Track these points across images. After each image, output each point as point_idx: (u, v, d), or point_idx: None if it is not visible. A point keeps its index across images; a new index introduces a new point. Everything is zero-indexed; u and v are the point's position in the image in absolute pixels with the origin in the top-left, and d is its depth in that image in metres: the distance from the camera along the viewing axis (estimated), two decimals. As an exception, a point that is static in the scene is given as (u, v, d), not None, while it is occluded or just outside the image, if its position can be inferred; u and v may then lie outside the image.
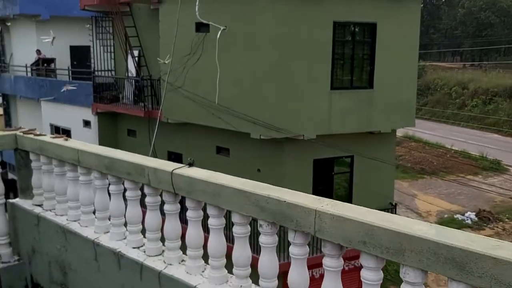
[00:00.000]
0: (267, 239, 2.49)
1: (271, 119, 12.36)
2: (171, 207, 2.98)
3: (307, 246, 2.40)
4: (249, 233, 2.68)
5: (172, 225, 3.01)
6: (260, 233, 2.52)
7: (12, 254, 4.16)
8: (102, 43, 17.98)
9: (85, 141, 12.88)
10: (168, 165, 2.93)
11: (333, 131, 13.11)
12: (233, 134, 13.36)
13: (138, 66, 16.50)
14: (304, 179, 13.41)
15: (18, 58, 24.58)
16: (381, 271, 2.15)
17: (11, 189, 5.50)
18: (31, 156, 4.01)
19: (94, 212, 3.56)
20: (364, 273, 2.12)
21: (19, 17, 22.84)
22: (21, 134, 4.01)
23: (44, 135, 3.93)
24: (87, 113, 18.12)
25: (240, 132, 12.94)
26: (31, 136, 3.91)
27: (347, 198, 14.49)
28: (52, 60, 22.54)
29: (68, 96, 19.50)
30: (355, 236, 2.05)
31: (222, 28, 12.62)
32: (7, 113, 27.66)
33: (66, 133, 19.80)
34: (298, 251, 2.36)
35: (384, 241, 1.95)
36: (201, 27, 13.40)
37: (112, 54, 18.04)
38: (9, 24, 24.93)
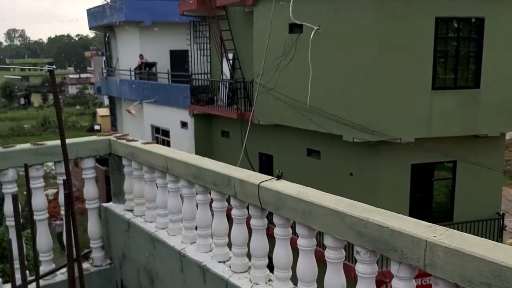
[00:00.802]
0: (365, 269, 2.17)
1: (365, 121, 11.83)
2: (258, 222, 2.77)
3: (414, 280, 2.04)
4: (344, 258, 2.37)
5: (259, 241, 2.80)
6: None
7: (105, 257, 4.22)
8: (199, 47, 18.48)
9: (182, 142, 13.33)
10: (256, 177, 2.72)
11: (433, 134, 12.25)
12: (324, 136, 13.03)
13: (233, 69, 16.72)
14: (401, 184, 12.68)
15: (123, 62, 26.12)
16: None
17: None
18: (124, 161, 4.04)
19: (182, 221, 3.47)
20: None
21: (124, 24, 24.24)
22: (115, 139, 4.05)
23: (136, 140, 3.93)
24: (185, 115, 18.72)
25: (332, 134, 12.56)
26: (124, 141, 3.92)
27: (448, 205, 13.52)
28: (153, 64, 23.68)
29: (167, 99, 20.36)
30: (477, 276, 1.67)
31: (315, 28, 12.35)
32: (113, 114, 29.59)
33: (165, 133, 20.71)
34: (403, 286, 2.02)
35: (516, 285, 1.56)
36: (294, 28, 13.24)
37: (208, 57, 18.48)
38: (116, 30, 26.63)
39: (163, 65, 22.71)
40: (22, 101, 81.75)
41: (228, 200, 2.95)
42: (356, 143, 12.28)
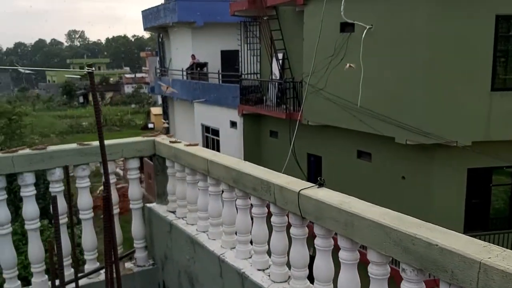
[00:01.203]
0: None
1: (419, 123, 11.39)
2: (298, 231, 2.65)
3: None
4: (389, 275, 2.21)
5: (299, 251, 2.68)
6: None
7: (147, 258, 4.24)
8: (250, 47, 18.51)
9: (231, 141, 13.38)
10: (296, 184, 2.60)
11: (492, 137, 11.61)
12: (375, 138, 12.66)
13: (282, 69, 16.65)
14: (456, 189, 12.11)
15: (176, 62, 26.61)
16: None
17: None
18: (167, 163, 4.04)
19: (222, 225, 3.41)
20: None
21: (177, 25, 24.68)
22: (159, 140, 4.06)
23: (179, 142, 3.91)
24: (234, 115, 18.80)
25: (384, 136, 12.19)
26: (167, 143, 3.92)
27: (507, 212, 12.81)
28: (204, 64, 23.97)
29: (217, 98, 20.55)
30: (539, 307, 1.48)
31: (368, 27, 12.03)
32: (165, 113, 30.24)
33: (215, 133, 20.92)
34: (453, 309, 1.84)
35: None
36: (345, 27, 12.97)
37: (258, 57, 18.47)
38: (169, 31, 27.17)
39: (214, 65, 22.94)
40: (81, 99, 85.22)
41: (268, 207, 2.86)
42: (409, 146, 11.86)
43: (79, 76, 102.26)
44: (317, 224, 2.44)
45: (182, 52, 25.33)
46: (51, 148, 3.70)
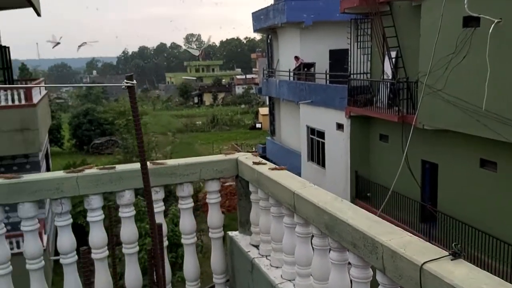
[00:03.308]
0: None
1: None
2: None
3: None
4: None
5: None
6: None
7: (229, 295, 3.65)
8: (360, 45, 17.57)
9: (337, 144, 12.49)
10: (418, 249, 1.75)
11: None
12: (503, 146, 11.11)
13: (395, 68, 15.46)
14: None
15: (284, 63, 26.36)
16: None
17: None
18: (250, 187, 3.38)
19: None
20: None
21: (285, 25, 24.39)
22: (242, 160, 3.42)
23: (264, 164, 3.24)
24: (341, 116, 18.05)
25: None
26: (250, 164, 3.27)
27: None
28: (312, 65, 23.37)
29: (324, 99, 19.81)
30: None
31: (496, 20, 10.49)
32: (271, 114, 30.09)
33: (320, 135, 20.14)
34: None
35: None
36: (469, 22, 11.49)
37: (369, 56, 17.44)
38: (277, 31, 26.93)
39: (323, 65, 22.28)
40: (196, 99, 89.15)
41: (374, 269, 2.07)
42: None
43: (194, 78, 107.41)
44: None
45: (290, 52, 25.02)
46: (120, 167, 3.24)
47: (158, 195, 3.33)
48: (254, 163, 3.24)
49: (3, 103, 13.43)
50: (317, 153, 20.87)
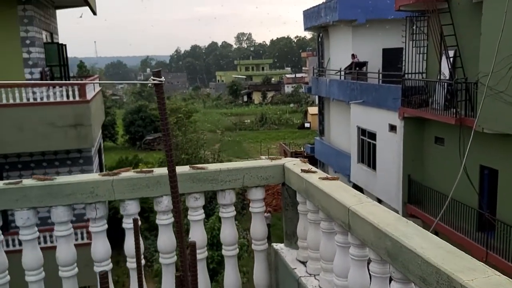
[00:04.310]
0: None
1: None
2: None
3: None
4: None
5: None
6: None
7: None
8: (415, 44, 16.85)
9: (389, 146, 11.86)
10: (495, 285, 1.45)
11: None
12: None
13: (453, 68, 14.70)
14: None
15: (335, 62, 25.84)
16: None
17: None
18: (298, 197, 3.10)
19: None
20: None
21: (337, 23, 23.87)
22: (289, 166, 3.16)
23: (314, 172, 2.95)
24: (394, 117, 17.43)
25: None
26: (298, 171, 2.99)
27: None
28: (364, 64, 22.77)
29: (376, 100, 19.19)
30: None
31: None
32: (321, 113, 29.57)
33: (372, 136, 19.52)
34: None
35: None
36: (538, 18, 10.67)
37: (425, 55, 16.70)
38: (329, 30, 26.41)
39: (375, 65, 21.64)
40: (245, 98, 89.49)
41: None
42: None
43: (244, 77, 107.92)
44: None
45: (341, 51, 24.49)
46: (158, 171, 3.05)
47: (198, 202, 3.13)
48: (303, 170, 2.95)
49: (58, 99, 13.77)
50: (368, 155, 20.26)
